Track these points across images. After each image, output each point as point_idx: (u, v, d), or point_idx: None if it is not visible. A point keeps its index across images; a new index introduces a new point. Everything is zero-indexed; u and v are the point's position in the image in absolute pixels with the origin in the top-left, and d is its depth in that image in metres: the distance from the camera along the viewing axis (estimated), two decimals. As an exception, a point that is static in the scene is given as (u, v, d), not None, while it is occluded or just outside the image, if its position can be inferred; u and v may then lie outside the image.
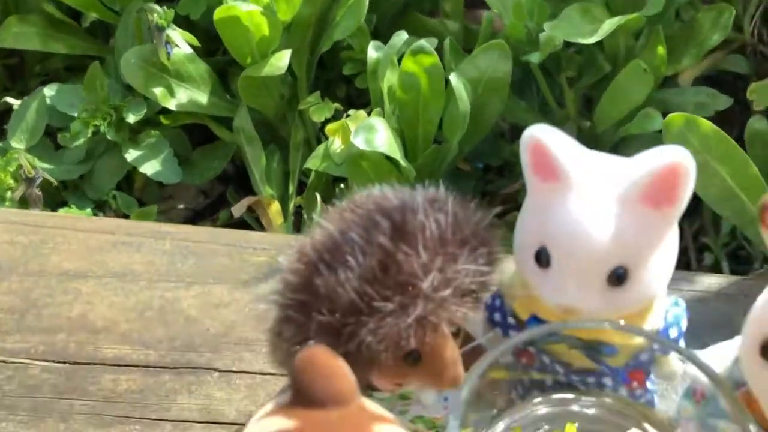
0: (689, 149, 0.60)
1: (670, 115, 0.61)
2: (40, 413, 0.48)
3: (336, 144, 0.76)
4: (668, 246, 0.36)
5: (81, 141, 0.81)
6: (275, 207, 0.80)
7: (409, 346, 0.34)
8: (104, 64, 0.85)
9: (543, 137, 0.35)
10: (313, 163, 0.77)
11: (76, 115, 0.82)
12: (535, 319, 0.38)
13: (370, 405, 0.29)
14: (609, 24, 0.72)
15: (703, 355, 0.40)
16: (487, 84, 0.74)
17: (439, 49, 0.73)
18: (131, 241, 0.58)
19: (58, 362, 0.51)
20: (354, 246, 0.34)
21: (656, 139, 0.69)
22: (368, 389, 0.39)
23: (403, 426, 0.31)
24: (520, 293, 0.39)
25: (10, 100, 0.86)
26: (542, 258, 0.36)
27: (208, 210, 0.89)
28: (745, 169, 0.57)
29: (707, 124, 0.59)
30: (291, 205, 0.82)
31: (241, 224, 0.81)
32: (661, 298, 0.38)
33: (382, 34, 0.79)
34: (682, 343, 0.40)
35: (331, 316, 0.33)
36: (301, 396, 0.28)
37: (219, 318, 0.52)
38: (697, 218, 0.78)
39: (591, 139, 0.81)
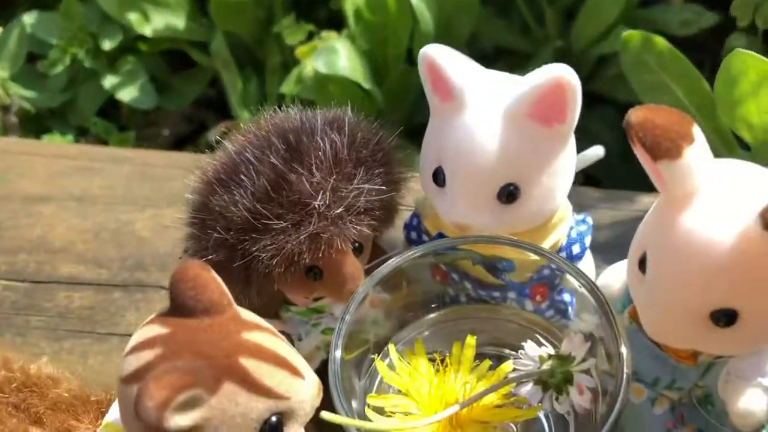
0: (645, 68, 0.60)
1: (626, 32, 0.59)
2: (0, 328, 0.51)
3: (308, 68, 0.76)
4: (563, 163, 0.36)
5: (60, 69, 0.82)
6: (251, 131, 0.81)
7: (303, 262, 0.35)
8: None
9: (436, 56, 0.35)
10: (287, 87, 0.77)
11: (56, 42, 0.82)
12: (441, 236, 0.39)
13: (247, 315, 0.31)
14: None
15: (608, 270, 0.40)
16: (455, 2, 0.73)
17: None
18: (92, 166, 0.60)
19: (18, 281, 0.53)
20: (249, 166, 0.35)
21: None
22: (285, 304, 0.41)
23: (283, 335, 0.32)
24: (429, 212, 0.40)
25: (-7, 28, 0.87)
26: (438, 177, 0.37)
27: (192, 135, 0.90)
28: (699, 88, 0.57)
29: (662, 43, 0.58)
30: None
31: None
32: (567, 216, 0.39)
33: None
34: (587, 259, 0.41)
35: (226, 234, 0.34)
36: (176, 306, 0.29)
37: (169, 239, 0.53)
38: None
39: (570, 59, 0.80)
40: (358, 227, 0.36)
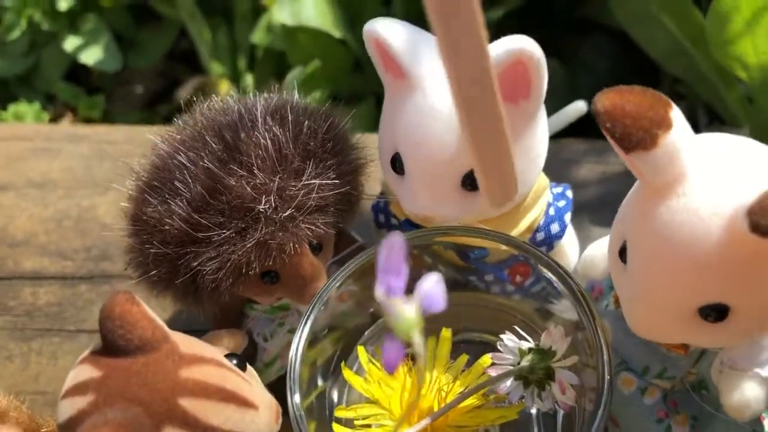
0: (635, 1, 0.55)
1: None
2: (-36, 331, 0.49)
3: (276, 15, 0.71)
4: (532, 141, 0.32)
5: (18, 33, 0.77)
6: (224, 86, 0.77)
7: (255, 272, 0.32)
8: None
9: (383, 33, 0.31)
10: (258, 36, 0.72)
11: (8, 4, 0.78)
12: (408, 222, 0.36)
13: (186, 346, 0.28)
14: None
15: (594, 244, 0.37)
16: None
17: None
18: (50, 146, 0.57)
19: (-19, 278, 0.51)
20: (183, 171, 0.31)
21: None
22: (249, 302, 0.39)
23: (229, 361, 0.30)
24: (394, 197, 0.37)
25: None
26: (397, 165, 0.33)
27: (166, 91, 0.86)
28: (693, 20, 0.52)
29: (649, -32, 0.53)
30: (244, 83, 0.79)
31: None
32: (544, 193, 0.36)
33: None
34: (569, 237, 0.37)
35: (165, 248, 0.31)
36: (107, 345, 0.27)
37: (134, 223, 0.51)
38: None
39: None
40: (313, 227, 0.32)
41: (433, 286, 0.23)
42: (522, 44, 0.29)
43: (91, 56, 0.77)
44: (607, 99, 0.25)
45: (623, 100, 0.25)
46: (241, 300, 0.38)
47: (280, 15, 0.62)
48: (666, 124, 0.25)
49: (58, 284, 0.50)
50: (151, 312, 0.27)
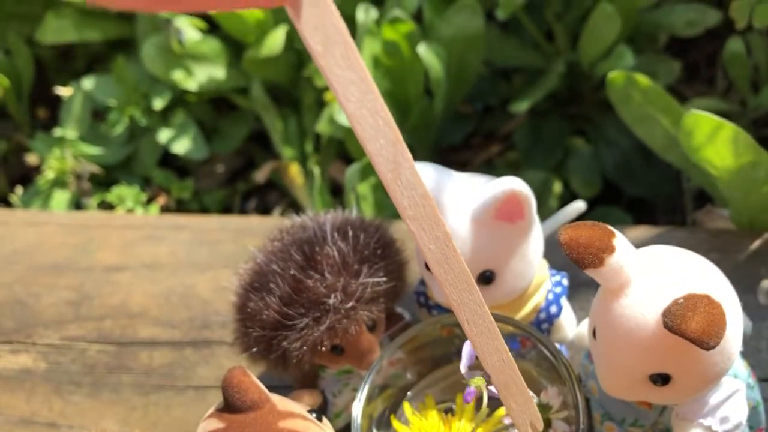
0: (632, 102, 0.66)
1: (611, 73, 0.65)
2: (98, 387, 0.62)
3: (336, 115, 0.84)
4: (529, 247, 0.44)
5: (120, 129, 0.92)
6: (294, 168, 0.90)
7: (326, 348, 0.44)
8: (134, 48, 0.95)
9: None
10: (321, 127, 0.85)
11: (112, 104, 0.92)
12: (439, 306, 0.48)
13: (282, 405, 0.40)
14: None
15: (584, 321, 0.48)
16: (463, 40, 0.80)
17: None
18: (157, 234, 0.70)
19: (108, 344, 0.64)
20: (275, 275, 0.44)
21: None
22: (322, 367, 0.50)
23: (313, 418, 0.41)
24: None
25: (59, 90, 0.97)
26: (427, 264, 0.44)
27: (244, 170, 1.00)
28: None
29: (645, 81, 0.63)
30: (310, 166, 0.91)
31: (270, 185, 0.92)
32: (543, 282, 0.47)
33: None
34: (566, 314, 0.48)
35: (263, 331, 0.44)
36: (227, 405, 0.39)
37: (227, 298, 0.63)
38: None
39: (579, 75, 0.86)
40: (368, 313, 0.44)
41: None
42: (514, 185, 0.41)
43: (182, 146, 0.91)
44: (566, 233, 0.36)
45: (578, 234, 0.36)
46: (316, 366, 0.50)
47: (339, 116, 0.75)
48: (609, 250, 0.36)
49: (168, 348, 0.63)
50: (257, 380, 0.39)
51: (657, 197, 0.82)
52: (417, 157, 0.46)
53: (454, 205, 0.43)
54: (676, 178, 0.80)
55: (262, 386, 0.39)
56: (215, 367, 0.61)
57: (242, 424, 0.38)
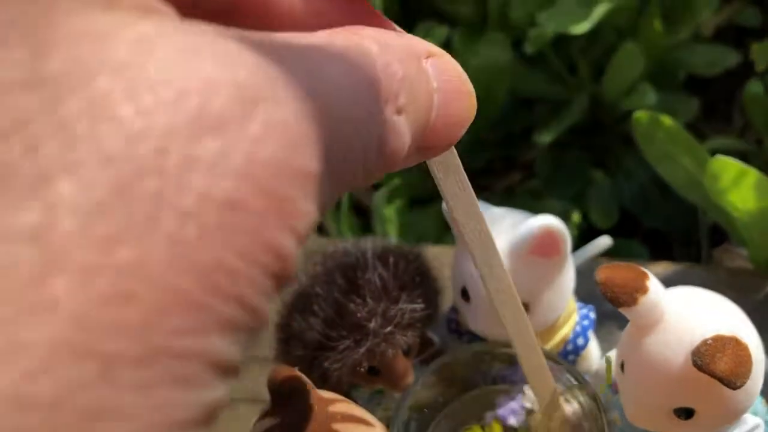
0: (656, 142, 0.68)
1: (637, 112, 0.67)
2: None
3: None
4: (563, 280, 0.46)
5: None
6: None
7: (363, 369, 0.46)
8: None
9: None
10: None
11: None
12: (470, 333, 0.50)
13: (325, 394, 0.42)
14: (599, 11, 0.78)
15: (612, 351, 0.50)
16: (490, 71, 0.82)
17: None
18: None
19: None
20: (319, 298, 0.46)
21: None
22: (354, 386, 0.52)
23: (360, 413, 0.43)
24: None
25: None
26: (465, 295, 0.47)
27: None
28: (705, 160, 0.64)
29: (668, 121, 0.66)
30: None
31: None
32: (572, 315, 0.49)
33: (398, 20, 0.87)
34: (591, 346, 0.50)
35: (304, 351, 0.46)
36: (275, 399, 0.40)
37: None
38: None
39: (601, 108, 0.89)
40: (405, 338, 0.46)
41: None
42: (550, 222, 0.43)
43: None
44: (603, 273, 0.38)
45: (614, 274, 0.38)
46: (352, 386, 0.52)
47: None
48: (644, 290, 0.38)
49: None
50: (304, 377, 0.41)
51: (673, 230, 0.84)
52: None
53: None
54: (692, 212, 0.82)
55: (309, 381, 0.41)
56: (247, 381, 0.63)
57: (296, 412, 0.40)
